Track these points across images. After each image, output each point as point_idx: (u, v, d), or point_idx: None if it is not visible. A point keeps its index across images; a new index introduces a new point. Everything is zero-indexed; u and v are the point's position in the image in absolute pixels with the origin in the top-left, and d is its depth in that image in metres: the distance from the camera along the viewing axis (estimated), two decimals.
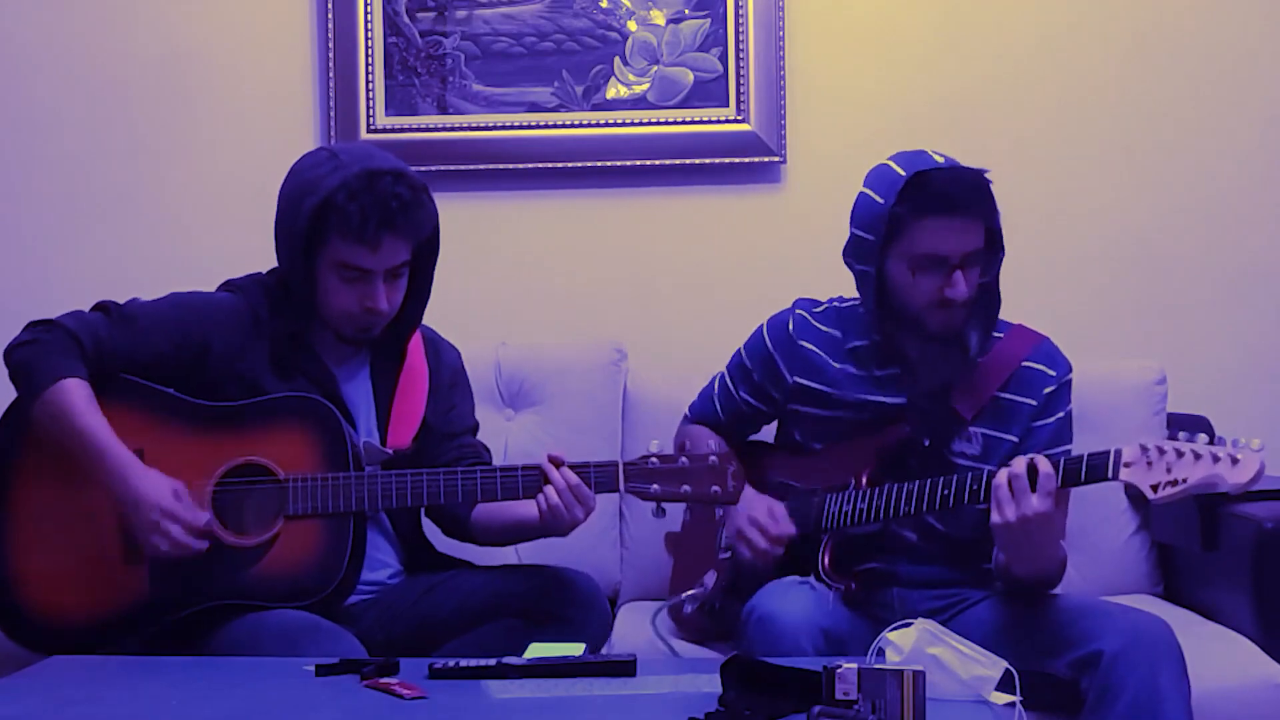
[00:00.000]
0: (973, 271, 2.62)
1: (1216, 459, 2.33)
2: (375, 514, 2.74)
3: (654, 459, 2.56)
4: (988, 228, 2.63)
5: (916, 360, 2.71)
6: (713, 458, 2.54)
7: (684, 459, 2.55)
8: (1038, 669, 2.36)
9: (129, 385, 2.65)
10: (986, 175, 2.62)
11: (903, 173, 2.60)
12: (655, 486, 2.55)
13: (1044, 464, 2.44)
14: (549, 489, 2.56)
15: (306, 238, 2.61)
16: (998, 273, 2.68)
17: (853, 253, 2.69)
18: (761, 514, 2.69)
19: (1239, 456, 2.32)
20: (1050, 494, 2.43)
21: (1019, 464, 2.45)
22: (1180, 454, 2.36)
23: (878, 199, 2.62)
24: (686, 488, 2.54)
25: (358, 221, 2.57)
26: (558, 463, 2.58)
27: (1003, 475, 2.45)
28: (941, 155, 2.64)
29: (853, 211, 2.68)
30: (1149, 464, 2.39)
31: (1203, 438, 2.37)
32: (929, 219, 2.58)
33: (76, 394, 2.57)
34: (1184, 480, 2.35)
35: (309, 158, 2.70)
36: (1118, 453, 2.42)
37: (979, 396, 2.70)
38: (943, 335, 2.66)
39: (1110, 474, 2.43)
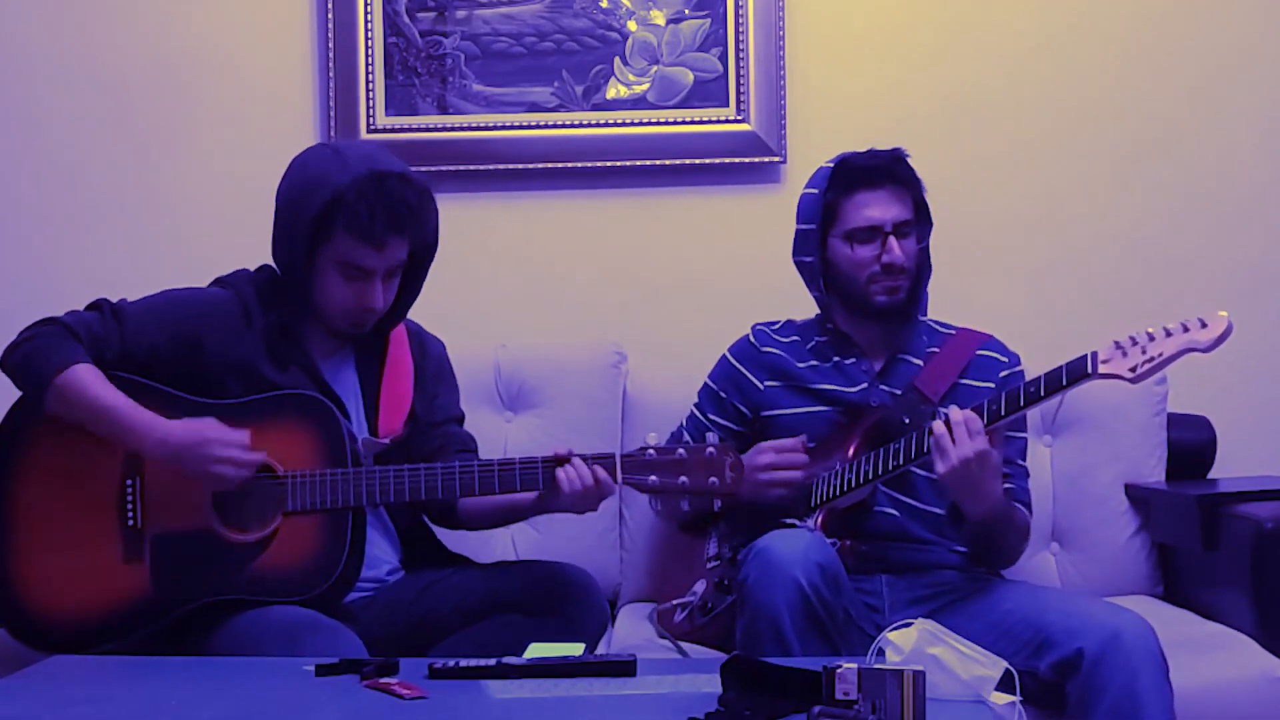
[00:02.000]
0: (907, 241, 2.83)
1: (1186, 329, 2.51)
2: (375, 509, 2.74)
3: (651, 451, 2.57)
4: (914, 198, 2.85)
5: (865, 342, 2.89)
6: (710, 449, 2.55)
7: (681, 450, 2.56)
8: (1024, 668, 2.37)
9: (127, 383, 2.65)
10: (903, 150, 2.85)
11: (830, 164, 2.87)
12: (653, 478, 2.56)
13: (965, 412, 2.59)
14: (571, 473, 2.56)
15: (311, 233, 2.62)
16: (928, 241, 2.88)
17: (798, 248, 2.89)
18: (769, 457, 2.75)
19: (1207, 321, 2.50)
20: (980, 433, 2.57)
21: (954, 413, 2.59)
22: (1152, 337, 2.53)
23: (813, 191, 2.87)
24: (684, 479, 2.55)
25: (366, 221, 2.59)
26: (563, 460, 2.58)
27: (939, 427, 2.59)
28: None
29: (796, 213, 2.88)
30: (1124, 354, 2.55)
31: (1176, 327, 2.53)
32: (857, 194, 2.82)
33: (88, 374, 2.59)
34: (1160, 355, 2.52)
35: (311, 153, 2.72)
36: (1094, 354, 2.57)
37: (942, 381, 2.84)
38: (888, 307, 2.83)
39: (1090, 371, 2.56)
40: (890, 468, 2.69)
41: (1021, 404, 2.60)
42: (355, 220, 2.59)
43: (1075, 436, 3.23)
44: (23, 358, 2.61)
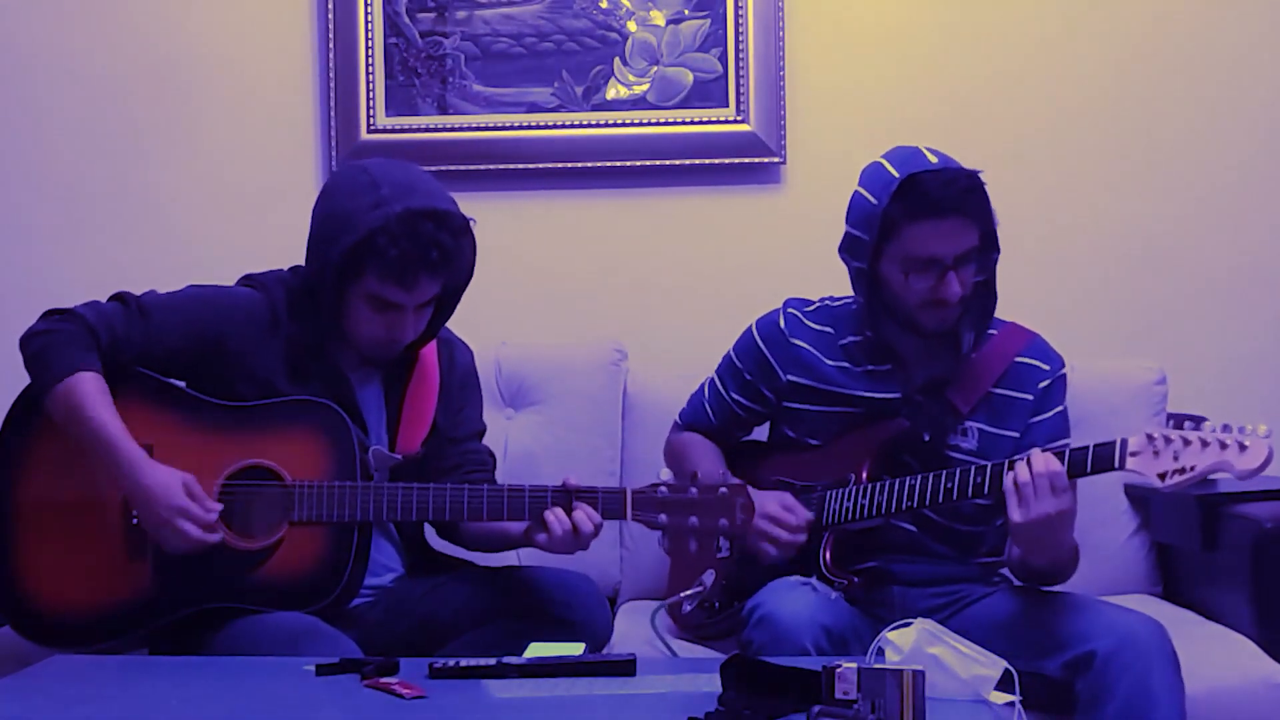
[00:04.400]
0: (967, 270, 2.64)
1: (1224, 446, 2.35)
2: (381, 524, 2.73)
3: (663, 488, 2.53)
4: (982, 228, 2.64)
5: (909, 356, 2.74)
6: (723, 489, 2.51)
7: (694, 489, 2.52)
8: (1032, 669, 2.36)
9: (142, 379, 2.65)
10: (979, 175, 2.63)
11: (896, 174, 2.60)
12: (663, 516, 2.53)
13: (1053, 462, 2.46)
14: (550, 520, 2.54)
15: (339, 269, 2.58)
16: (994, 270, 2.70)
17: (848, 250, 2.70)
18: (775, 509, 2.68)
19: (1247, 443, 2.34)
20: (1066, 489, 2.46)
21: (1038, 460, 2.46)
22: (1187, 442, 2.38)
23: (871, 199, 2.63)
24: (694, 519, 2.51)
25: (398, 267, 2.55)
26: (568, 491, 2.56)
27: (1024, 473, 2.46)
28: (935, 154, 2.64)
29: (848, 209, 2.69)
30: (1155, 453, 2.41)
31: (1209, 424, 2.40)
32: (922, 222, 2.59)
33: (89, 387, 2.56)
34: (1192, 468, 2.37)
35: (346, 181, 2.64)
36: (1124, 442, 2.44)
37: (975, 391, 2.72)
38: (937, 332, 2.68)
39: (1117, 464, 2.45)
40: (906, 507, 2.62)
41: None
42: (385, 264, 2.54)
43: (1075, 437, 3.22)
44: (37, 350, 2.60)
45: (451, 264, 2.60)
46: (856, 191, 2.68)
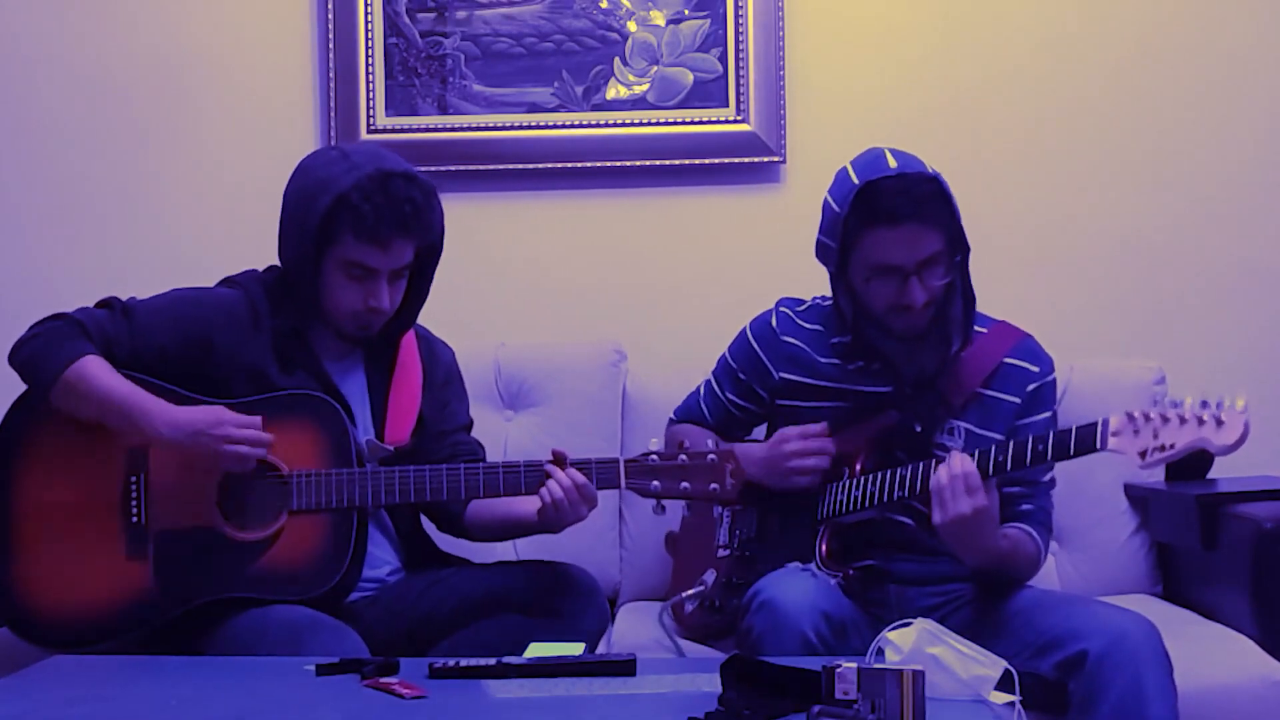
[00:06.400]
0: (932, 274, 2.64)
1: (1202, 422, 2.39)
2: (377, 510, 2.75)
3: (654, 456, 2.59)
4: (945, 231, 2.63)
5: (894, 356, 2.74)
6: (711, 456, 2.57)
7: (683, 456, 2.57)
8: (1027, 669, 2.37)
9: (136, 381, 2.64)
10: (940, 179, 2.62)
11: (856, 181, 2.62)
12: (655, 483, 2.58)
13: (968, 463, 2.52)
14: (553, 484, 2.58)
15: (317, 234, 2.63)
16: (965, 271, 2.70)
17: (820, 256, 2.73)
18: (794, 445, 2.71)
19: (1224, 418, 2.38)
20: (978, 489, 2.51)
21: (955, 462, 2.52)
22: (1166, 419, 2.42)
23: (835, 207, 2.65)
24: (686, 484, 2.57)
25: (372, 222, 2.60)
26: (561, 459, 2.60)
27: (944, 476, 2.52)
28: (898, 157, 2.64)
29: (821, 213, 2.71)
30: (1136, 432, 2.44)
31: (1188, 400, 2.42)
32: (879, 230, 2.60)
33: (94, 366, 2.60)
34: (1171, 445, 2.41)
35: (319, 156, 2.73)
36: (1105, 422, 2.47)
37: (963, 387, 2.73)
38: (908, 336, 2.70)
39: (1098, 444, 2.47)
40: (897, 498, 2.64)
41: (1028, 461, 2.53)
42: (360, 221, 2.60)
43: None
44: (30, 353, 2.63)
45: (422, 222, 2.65)
46: (825, 198, 2.70)
